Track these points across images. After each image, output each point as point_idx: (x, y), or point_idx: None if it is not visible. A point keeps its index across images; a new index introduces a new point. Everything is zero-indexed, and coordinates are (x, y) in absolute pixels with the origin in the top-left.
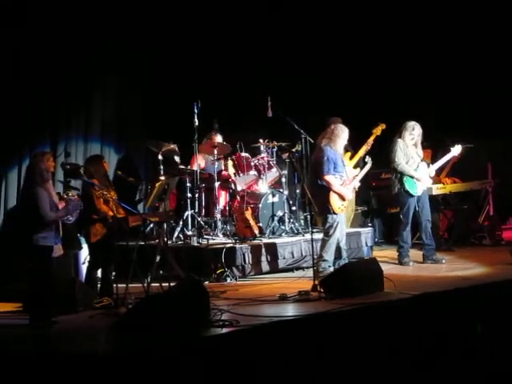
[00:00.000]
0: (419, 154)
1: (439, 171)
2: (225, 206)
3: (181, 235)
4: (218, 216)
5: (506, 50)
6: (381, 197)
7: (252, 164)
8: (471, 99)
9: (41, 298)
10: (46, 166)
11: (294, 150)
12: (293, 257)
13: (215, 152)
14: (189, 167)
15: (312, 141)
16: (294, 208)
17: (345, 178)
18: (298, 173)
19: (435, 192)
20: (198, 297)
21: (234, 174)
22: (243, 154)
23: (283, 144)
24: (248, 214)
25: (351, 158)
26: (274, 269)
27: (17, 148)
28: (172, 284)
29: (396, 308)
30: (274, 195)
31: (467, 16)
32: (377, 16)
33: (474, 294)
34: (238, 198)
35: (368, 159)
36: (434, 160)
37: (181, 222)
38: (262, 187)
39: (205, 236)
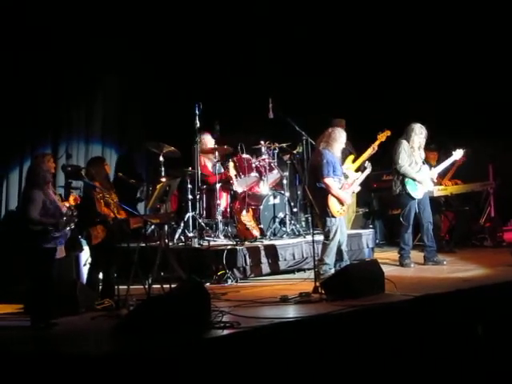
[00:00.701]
0: (422, 157)
1: (443, 174)
2: (226, 208)
3: (182, 237)
4: (219, 218)
5: (508, 50)
6: (382, 198)
7: (253, 165)
8: (472, 100)
9: (42, 299)
10: (47, 168)
11: (295, 151)
12: (294, 258)
13: (216, 154)
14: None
15: (313, 142)
16: (295, 210)
17: (343, 181)
18: (299, 174)
19: (436, 194)
20: (199, 298)
21: (235, 175)
22: (244, 156)
23: (284, 145)
24: (246, 216)
25: (354, 161)
26: (275, 270)
27: (18, 149)
28: (173, 286)
29: (397, 310)
30: (275, 197)
31: (468, 17)
32: (380, 17)
33: (475, 296)
34: (239, 199)
35: (367, 164)
36: (439, 162)
37: (182, 224)
38: (263, 189)
39: (206, 238)
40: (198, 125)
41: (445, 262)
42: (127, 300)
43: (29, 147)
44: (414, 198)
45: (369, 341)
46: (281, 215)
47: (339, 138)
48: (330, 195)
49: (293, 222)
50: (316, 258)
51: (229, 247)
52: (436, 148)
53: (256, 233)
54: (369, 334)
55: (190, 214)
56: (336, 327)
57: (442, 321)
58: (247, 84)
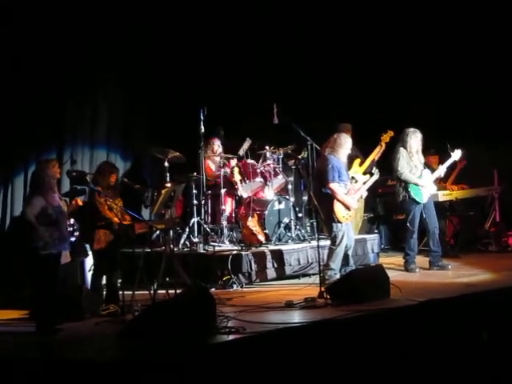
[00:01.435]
0: (421, 161)
1: (445, 178)
2: (231, 213)
3: (187, 242)
4: (224, 223)
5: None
6: (387, 203)
7: (258, 171)
8: (477, 105)
9: (47, 305)
10: (52, 173)
11: (300, 156)
12: (299, 263)
13: (217, 159)
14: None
15: (318, 148)
16: (300, 215)
17: (349, 187)
18: (305, 179)
19: (441, 198)
20: (204, 304)
21: (240, 180)
22: (249, 161)
23: (289, 151)
24: (251, 222)
25: (361, 164)
26: (281, 276)
27: (23, 155)
28: (178, 291)
29: (402, 314)
30: (280, 202)
31: (470, 17)
32: (383, 19)
33: (480, 301)
34: (244, 204)
35: (375, 170)
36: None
37: (187, 229)
38: (268, 194)
39: (211, 243)
40: (203, 130)
41: (450, 267)
42: (132, 305)
43: (33, 153)
44: (418, 203)
45: (374, 346)
46: (286, 220)
47: (345, 143)
48: (335, 200)
49: (298, 227)
50: (321, 263)
51: (234, 252)
52: (437, 152)
53: (261, 238)
54: (374, 339)
55: (195, 220)
56: (341, 332)
57: (447, 326)
58: (252, 89)
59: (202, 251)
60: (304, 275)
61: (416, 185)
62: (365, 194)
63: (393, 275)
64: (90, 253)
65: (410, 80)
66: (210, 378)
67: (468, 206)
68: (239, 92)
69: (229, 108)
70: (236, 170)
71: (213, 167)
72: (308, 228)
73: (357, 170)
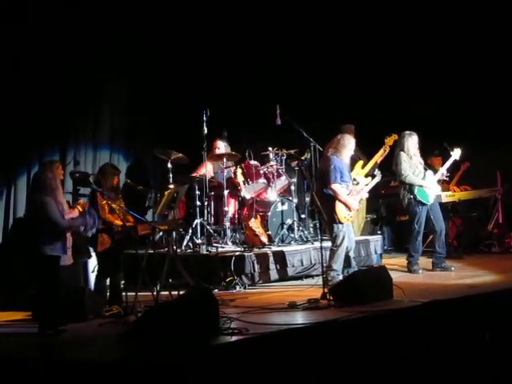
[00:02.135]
0: (421, 162)
1: (448, 179)
2: (234, 214)
3: (190, 243)
4: (227, 224)
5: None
6: (390, 204)
7: (261, 172)
8: (480, 106)
9: (50, 306)
10: (55, 175)
11: (303, 157)
12: (302, 265)
13: (224, 160)
14: (195, 174)
15: (321, 149)
16: (303, 216)
17: (351, 188)
18: (307, 181)
19: (444, 200)
20: (207, 305)
21: (243, 182)
22: (252, 162)
23: (292, 152)
24: (254, 223)
25: (363, 166)
26: (284, 277)
27: (26, 156)
28: (181, 292)
29: (405, 316)
30: (283, 203)
31: (472, 18)
32: (385, 20)
33: (483, 302)
34: (247, 205)
35: (377, 172)
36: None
37: (190, 231)
38: (271, 195)
39: (214, 244)
40: (206, 131)
41: (453, 268)
42: (135, 307)
43: (36, 154)
44: (425, 204)
45: (377, 347)
46: (289, 221)
47: (348, 144)
48: (337, 201)
49: (301, 228)
50: (324, 265)
51: (237, 254)
52: (441, 154)
53: (264, 239)
54: (377, 340)
55: (197, 221)
56: (344, 333)
57: (450, 327)
58: (255, 90)
59: (205, 252)
60: (307, 276)
61: (421, 186)
62: (366, 195)
63: (396, 276)
64: (93, 254)
65: (410, 80)
66: (213, 380)
67: (471, 208)
68: (242, 93)
69: (232, 109)
70: (239, 171)
71: (211, 171)
72: (311, 229)
73: (359, 172)
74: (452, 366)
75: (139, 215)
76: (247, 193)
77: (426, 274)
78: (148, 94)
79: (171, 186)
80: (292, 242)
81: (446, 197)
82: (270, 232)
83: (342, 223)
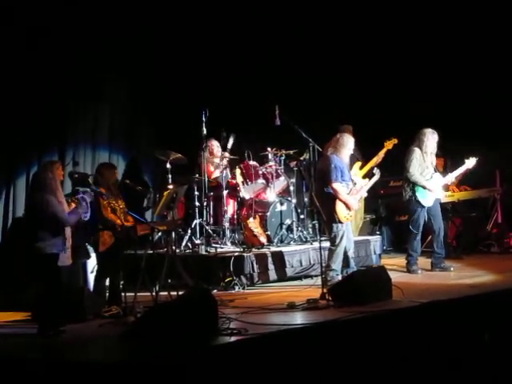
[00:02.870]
0: (433, 163)
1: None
2: (233, 215)
3: (189, 244)
4: (227, 224)
5: None
6: (389, 205)
7: (260, 172)
8: (479, 106)
9: (49, 306)
10: (55, 175)
11: (301, 158)
12: (301, 265)
13: (217, 161)
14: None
15: (320, 149)
16: (302, 216)
17: (351, 187)
18: (306, 181)
19: (444, 200)
20: (206, 305)
21: (242, 182)
22: (251, 163)
23: (291, 152)
24: (253, 223)
25: (361, 167)
26: (282, 277)
27: (25, 156)
28: (180, 293)
29: (404, 316)
30: (282, 203)
31: (477, 20)
32: (384, 20)
33: (482, 302)
34: (246, 206)
35: (376, 171)
36: (446, 169)
37: (189, 231)
38: (270, 195)
39: (213, 244)
40: (205, 131)
41: (452, 269)
42: (134, 307)
43: (35, 154)
44: (423, 206)
45: (376, 347)
46: (288, 222)
47: (347, 143)
48: (337, 200)
49: (300, 228)
50: (323, 265)
51: (236, 254)
52: (442, 154)
53: (263, 239)
54: (376, 340)
55: (197, 221)
56: (343, 333)
57: (449, 327)
58: (254, 90)
59: (204, 253)
60: (306, 277)
61: (423, 188)
62: (365, 194)
63: (395, 276)
64: (92, 255)
65: (410, 80)
66: (213, 380)
67: (470, 208)
68: (241, 93)
69: (231, 110)
70: (238, 171)
71: (211, 168)
72: (310, 229)
73: (356, 172)
74: (451, 367)
75: (138, 215)
76: (246, 193)
77: (425, 274)
78: (147, 94)
79: (170, 187)
80: (291, 243)
81: (446, 197)
82: (269, 232)
83: (341, 222)
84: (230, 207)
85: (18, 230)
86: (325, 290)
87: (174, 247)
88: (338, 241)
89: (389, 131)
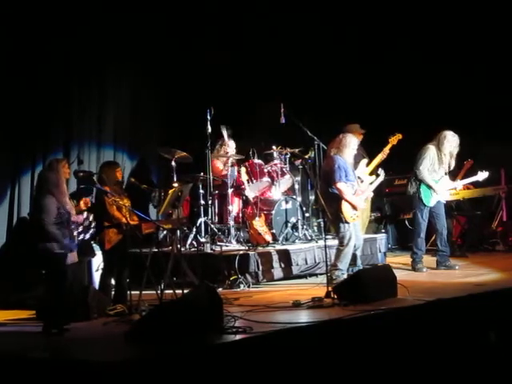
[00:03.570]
0: (452, 165)
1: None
2: (238, 213)
3: (194, 242)
4: (232, 223)
5: None
6: (394, 203)
7: (265, 171)
8: (484, 104)
9: (54, 305)
10: (60, 174)
11: (306, 156)
12: (306, 263)
13: (229, 160)
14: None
15: (325, 147)
16: (307, 214)
17: (356, 187)
18: (311, 179)
19: (448, 198)
20: (211, 304)
21: (247, 180)
22: (256, 161)
23: (296, 150)
24: (258, 221)
25: (367, 165)
26: (288, 275)
27: (30, 154)
28: (186, 291)
29: (409, 314)
30: (287, 202)
31: (482, 17)
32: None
33: (488, 301)
34: (251, 204)
35: (381, 171)
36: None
37: (194, 229)
38: (275, 194)
39: (218, 243)
40: (210, 130)
41: (457, 267)
42: (139, 305)
43: (40, 152)
44: (424, 205)
45: (381, 346)
46: (293, 220)
47: (350, 143)
48: (343, 201)
49: (305, 226)
50: (328, 263)
51: (241, 252)
52: (471, 157)
53: (268, 238)
54: (381, 338)
55: (202, 220)
56: (348, 332)
57: (455, 326)
58: (259, 89)
59: (209, 251)
60: (311, 275)
61: (428, 187)
62: (371, 194)
63: (400, 275)
64: (97, 252)
65: (411, 80)
66: (218, 378)
67: (475, 206)
68: (247, 92)
69: (236, 108)
70: (243, 169)
71: (220, 166)
72: (315, 228)
73: (364, 170)
74: (457, 365)
75: (143, 214)
76: (251, 191)
77: (431, 272)
78: (152, 92)
79: (175, 185)
80: (296, 241)
81: (450, 195)
82: (274, 231)
83: (348, 223)
84: (235, 205)
85: (23, 229)
86: (330, 289)
87: (179, 245)
88: (346, 241)
89: (393, 127)
